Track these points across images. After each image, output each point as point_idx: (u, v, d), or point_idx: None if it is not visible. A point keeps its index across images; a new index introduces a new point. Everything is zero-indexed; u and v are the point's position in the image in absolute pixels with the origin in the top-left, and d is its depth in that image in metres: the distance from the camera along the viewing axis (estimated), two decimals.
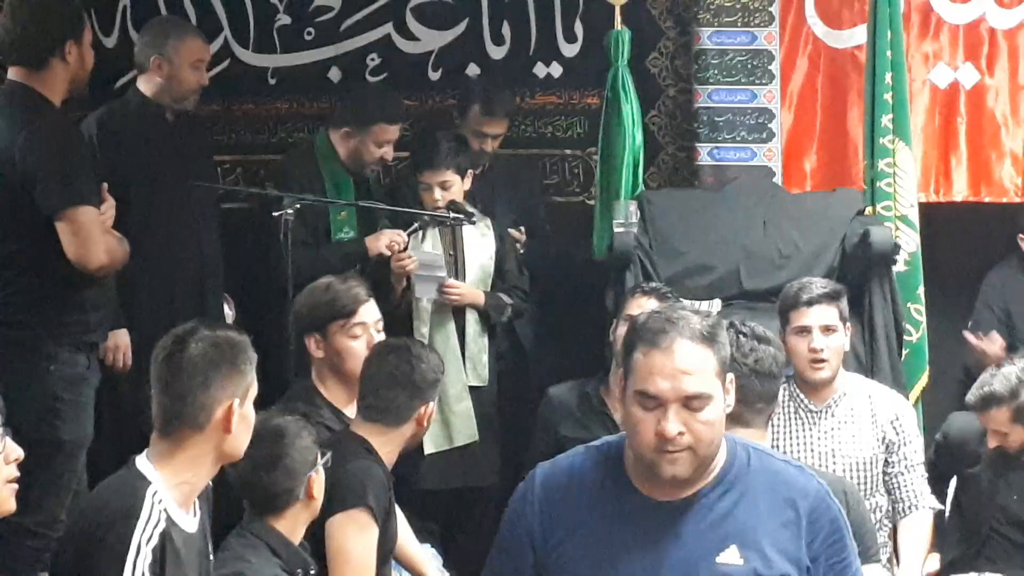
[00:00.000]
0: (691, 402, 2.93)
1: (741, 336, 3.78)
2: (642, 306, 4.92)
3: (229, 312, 5.70)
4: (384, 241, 5.65)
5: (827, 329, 4.76)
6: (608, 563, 3.00)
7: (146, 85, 5.51)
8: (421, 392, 4.19)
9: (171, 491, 3.22)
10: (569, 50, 6.46)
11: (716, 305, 5.55)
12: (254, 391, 3.31)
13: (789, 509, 3.03)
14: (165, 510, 3.16)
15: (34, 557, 4.42)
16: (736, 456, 3.06)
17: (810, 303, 4.81)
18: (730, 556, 2.98)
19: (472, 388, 5.72)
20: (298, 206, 5.31)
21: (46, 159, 4.59)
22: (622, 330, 4.97)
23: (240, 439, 3.31)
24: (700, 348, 2.96)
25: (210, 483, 3.41)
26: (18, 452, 3.07)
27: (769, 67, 6.24)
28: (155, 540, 3.11)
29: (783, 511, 3.03)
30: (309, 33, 6.49)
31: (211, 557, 3.45)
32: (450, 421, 5.60)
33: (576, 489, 3.10)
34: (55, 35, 4.62)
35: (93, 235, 4.59)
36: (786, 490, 3.05)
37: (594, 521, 3.05)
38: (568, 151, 6.53)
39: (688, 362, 2.94)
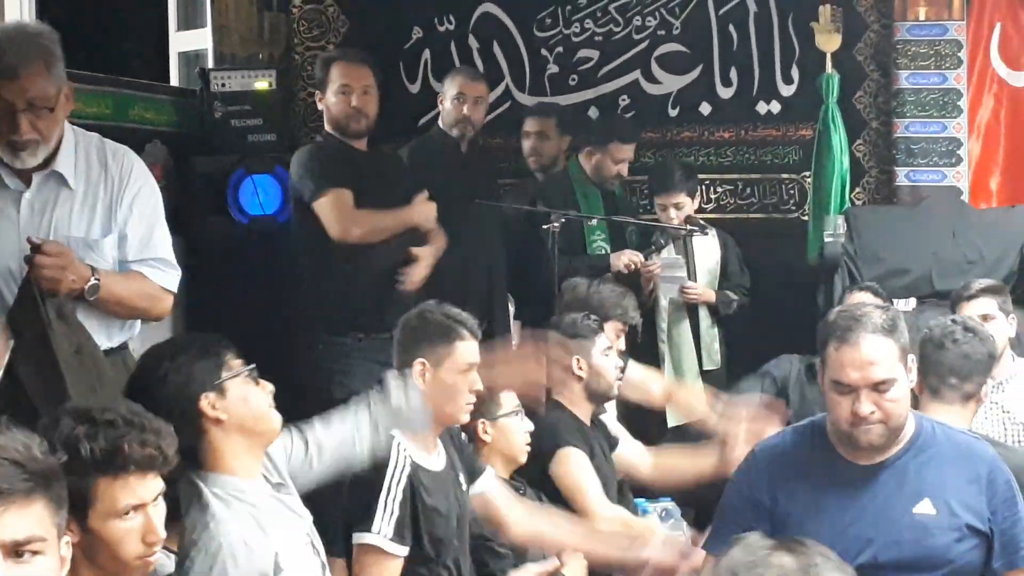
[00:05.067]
0: (879, 386, 3.13)
1: (953, 323, 3.96)
2: (860, 299, 5.12)
3: (510, 308, 6.02)
4: (624, 260, 6.09)
5: (985, 318, 4.84)
6: (822, 517, 3.17)
7: (442, 119, 6.03)
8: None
9: (411, 440, 3.51)
10: (787, 90, 6.81)
11: (912, 303, 5.91)
12: (455, 362, 3.55)
13: (972, 470, 3.21)
14: (409, 456, 3.49)
15: None
16: (923, 428, 3.27)
17: (970, 298, 5.07)
18: (925, 507, 3.17)
19: (706, 372, 6.14)
20: (563, 220, 5.68)
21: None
22: None
23: (437, 401, 3.50)
24: (883, 339, 3.13)
25: (457, 427, 3.77)
26: (270, 386, 3.05)
27: (958, 103, 6.52)
28: (404, 481, 3.45)
29: (967, 471, 3.21)
30: (573, 79, 6.96)
31: (464, 487, 3.71)
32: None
33: (791, 460, 3.30)
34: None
35: (340, 214, 5.12)
36: (968, 455, 3.25)
37: (808, 484, 3.24)
38: (785, 175, 6.85)
39: (874, 353, 3.12)
